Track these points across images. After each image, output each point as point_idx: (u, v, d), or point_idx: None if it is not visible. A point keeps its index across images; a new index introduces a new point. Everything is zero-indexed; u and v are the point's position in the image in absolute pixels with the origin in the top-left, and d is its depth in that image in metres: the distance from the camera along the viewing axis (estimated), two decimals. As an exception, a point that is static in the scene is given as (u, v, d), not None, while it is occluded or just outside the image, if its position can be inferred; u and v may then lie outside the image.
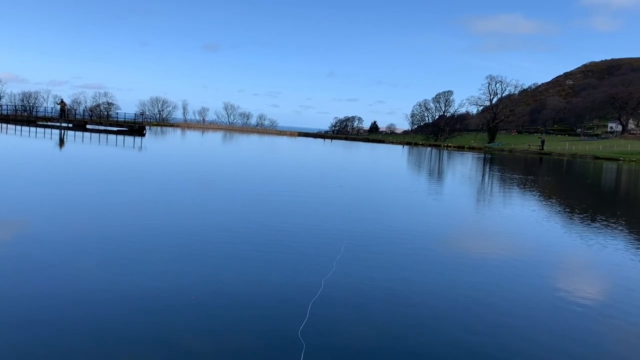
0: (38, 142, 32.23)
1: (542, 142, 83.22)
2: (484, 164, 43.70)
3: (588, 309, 6.62)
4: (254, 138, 69.18)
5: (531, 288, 7.42)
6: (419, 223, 12.32)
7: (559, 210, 16.71)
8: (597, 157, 68.56)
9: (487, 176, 31.41)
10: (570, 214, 15.70)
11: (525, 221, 13.91)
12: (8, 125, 51.10)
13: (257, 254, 8.08)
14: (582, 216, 15.19)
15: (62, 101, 60.62)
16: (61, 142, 33.76)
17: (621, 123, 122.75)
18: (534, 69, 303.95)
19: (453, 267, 8.31)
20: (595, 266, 9.40)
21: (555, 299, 6.93)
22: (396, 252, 9.00)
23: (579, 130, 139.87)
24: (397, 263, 8.31)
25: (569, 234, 12.21)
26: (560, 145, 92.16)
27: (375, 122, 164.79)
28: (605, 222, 14.11)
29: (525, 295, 7.05)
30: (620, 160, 64.51)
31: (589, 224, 13.67)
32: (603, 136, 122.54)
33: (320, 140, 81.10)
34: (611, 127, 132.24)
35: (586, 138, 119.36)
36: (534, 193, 22.07)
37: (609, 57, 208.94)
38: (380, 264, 8.08)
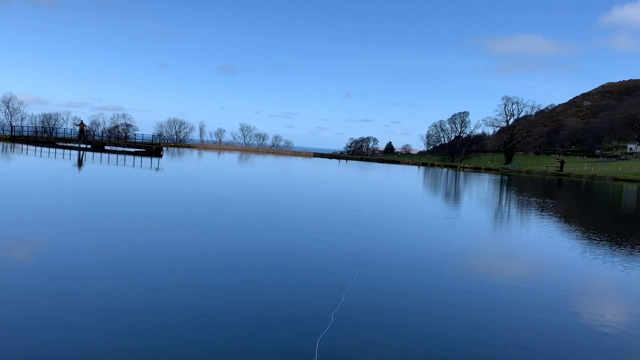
0: (57, 162, 32.68)
1: (562, 163, 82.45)
2: (501, 186, 43.18)
3: (610, 335, 6.32)
4: (270, 159, 69.46)
5: (553, 312, 7.12)
6: (437, 249, 12.03)
7: (581, 235, 16.31)
8: (616, 179, 67.46)
9: (506, 200, 30.97)
10: (592, 239, 15.29)
11: (546, 246, 13.56)
12: (29, 146, 52.08)
13: (266, 282, 7.84)
14: (604, 240, 14.77)
15: (81, 122, 61.55)
16: (80, 162, 34.20)
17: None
18: (550, 89, 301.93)
19: (471, 295, 8.03)
20: (619, 291, 9.05)
21: (577, 324, 6.65)
22: (412, 282, 8.71)
23: (597, 151, 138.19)
24: (413, 294, 7.99)
25: (594, 259, 11.83)
26: (578, 166, 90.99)
27: (390, 142, 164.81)
28: (628, 246, 13.69)
29: (548, 320, 6.77)
30: (641, 182, 63.34)
31: (611, 248, 13.26)
32: (622, 157, 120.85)
33: (335, 161, 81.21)
34: (630, 148, 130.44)
35: (605, 159, 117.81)
36: (555, 217, 21.64)
37: (627, 78, 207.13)
38: (394, 295, 7.77)
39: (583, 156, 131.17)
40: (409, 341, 5.91)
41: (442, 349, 5.76)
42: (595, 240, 14.85)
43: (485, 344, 6.00)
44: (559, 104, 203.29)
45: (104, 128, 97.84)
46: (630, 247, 13.88)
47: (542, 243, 14.17)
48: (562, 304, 7.97)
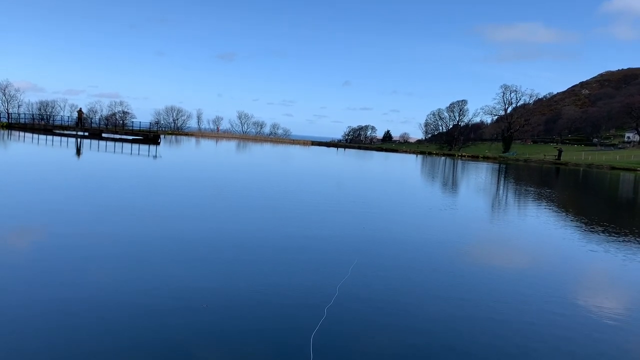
0: (55, 150, 32.57)
1: (560, 152, 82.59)
2: (499, 175, 43.22)
3: (612, 324, 6.39)
4: (267, 147, 69.32)
5: (552, 301, 7.18)
6: (435, 240, 12.02)
7: (578, 223, 16.39)
8: (614, 168, 67.65)
9: (504, 189, 31.04)
10: (590, 227, 15.37)
11: (542, 234, 13.63)
12: (26, 133, 51.86)
13: (259, 276, 7.60)
14: (602, 229, 14.85)
15: (80, 110, 61.46)
16: (77, 150, 34.10)
17: (638, 133, 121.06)
18: (549, 78, 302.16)
19: (469, 287, 8.06)
20: (618, 279, 9.12)
21: (580, 312, 6.72)
22: (408, 273, 8.64)
23: (595, 140, 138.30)
24: (409, 286, 7.88)
25: (596, 247, 11.90)
26: (576, 155, 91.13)
27: (388, 131, 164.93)
28: (626, 234, 13.76)
29: (546, 309, 6.82)
30: (638, 170, 63.52)
31: (611, 236, 13.33)
32: (620, 146, 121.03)
33: (333, 149, 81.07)
34: (628, 137, 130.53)
35: (603, 148, 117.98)
36: (552, 206, 21.71)
37: (625, 67, 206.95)
38: (389, 287, 7.61)
39: (581, 145, 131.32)
40: (405, 335, 5.84)
41: (439, 342, 5.77)
42: (593, 229, 14.92)
43: (482, 337, 6.04)
44: (557, 93, 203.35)
45: (101, 115, 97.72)
46: (629, 236, 13.95)
47: (539, 232, 14.24)
48: (560, 292, 8.04)
